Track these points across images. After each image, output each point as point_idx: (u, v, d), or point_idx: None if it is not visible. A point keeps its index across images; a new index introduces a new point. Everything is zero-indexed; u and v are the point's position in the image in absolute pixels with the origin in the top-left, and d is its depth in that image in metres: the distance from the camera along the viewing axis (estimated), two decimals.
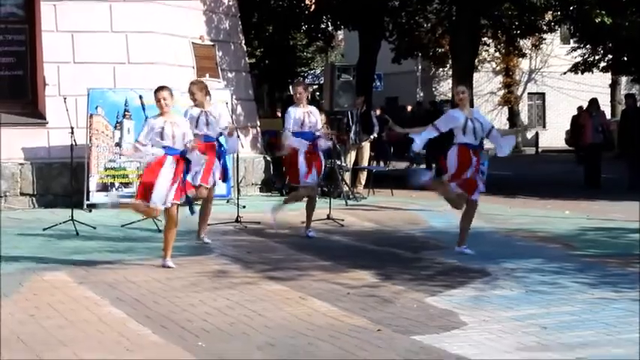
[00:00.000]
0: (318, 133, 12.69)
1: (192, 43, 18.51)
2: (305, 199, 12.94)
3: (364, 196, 18.81)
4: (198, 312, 8.07)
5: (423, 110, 33.14)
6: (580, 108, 30.45)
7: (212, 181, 11.94)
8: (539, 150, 42.51)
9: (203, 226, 12.21)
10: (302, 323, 7.66)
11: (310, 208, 12.94)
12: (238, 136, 12.57)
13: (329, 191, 17.05)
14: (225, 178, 12.49)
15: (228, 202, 16.31)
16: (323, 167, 12.99)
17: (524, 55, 37.17)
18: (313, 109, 12.87)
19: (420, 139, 11.50)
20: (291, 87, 13.32)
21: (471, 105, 12.54)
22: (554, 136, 46.29)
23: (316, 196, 13.26)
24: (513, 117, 45.96)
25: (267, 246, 12.10)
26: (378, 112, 28.02)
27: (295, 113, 12.62)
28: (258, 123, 20.86)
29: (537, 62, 47.44)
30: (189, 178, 10.73)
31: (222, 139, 12.21)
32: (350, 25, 27.41)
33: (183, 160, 10.17)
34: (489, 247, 11.64)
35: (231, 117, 13.09)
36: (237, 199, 14.51)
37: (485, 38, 31.00)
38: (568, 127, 36.63)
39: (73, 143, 13.36)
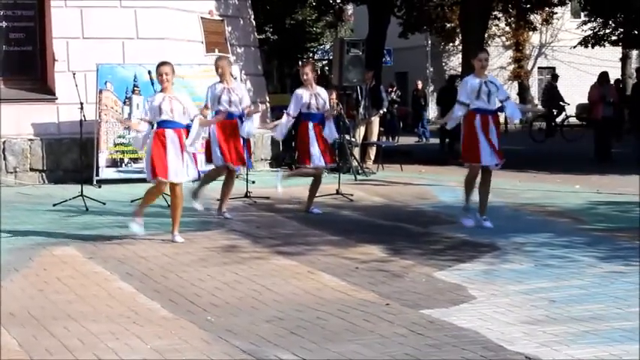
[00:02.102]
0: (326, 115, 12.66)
1: (201, 18, 18.46)
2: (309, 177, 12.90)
3: (373, 171, 18.78)
4: (207, 287, 8.09)
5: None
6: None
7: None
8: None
9: (225, 201, 12.25)
10: (311, 297, 7.67)
11: (314, 189, 12.86)
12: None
13: (338, 166, 17.03)
14: (249, 155, 12.66)
15: (237, 177, 16.28)
16: (329, 149, 12.87)
17: (534, 29, 36.96)
18: (321, 90, 12.77)
19: (454, 120, 11.65)
20: (300, 68, 13.18)
21: None
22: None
23: (322, 177, 13.17)
24: (523, 92, 45.80)
25: (277, 221, 12.11)
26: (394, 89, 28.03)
27: (302, 97, 12.58)
28: (268, 98, 20.82)
29: (547, 36, 47.20)
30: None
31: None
32: (359, 0, 27.30)
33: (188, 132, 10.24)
34: (499, 222, 11.61)
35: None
36: (247, 174, 14.50)
37: (496, 12, 30.83)
38: (578, 102, 36.52)
39: (83, 119, 13.36)
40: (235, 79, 13.66)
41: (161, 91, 10.31)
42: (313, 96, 12.55)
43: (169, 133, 10.14)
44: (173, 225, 10.35)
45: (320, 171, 12.84)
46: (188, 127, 10.21)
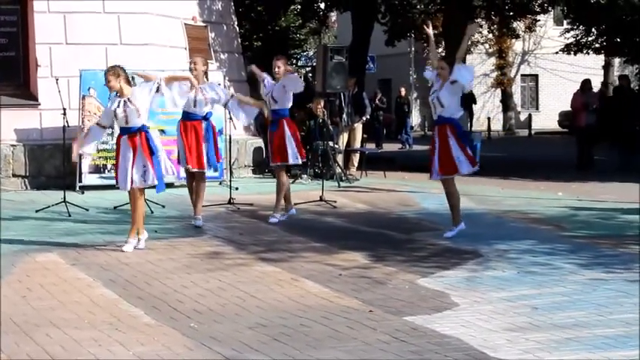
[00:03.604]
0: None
1: (185, 24, 18.44)
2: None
3: (357, 177, 18.78)
4: (190, 293, 8.07)
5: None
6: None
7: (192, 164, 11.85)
8: (532, 132, 42.48)
9: (198, 206, 12.01)
10: (294, 304, 7.67)
11: (277, 191, 12.69)
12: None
13: (322, 173, 17.04)
14: (217, 158, 12.33)
15: (220, 183, 16.30)
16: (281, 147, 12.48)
17: (517, 37, 37.10)
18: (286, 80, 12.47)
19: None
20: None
21: None
22: (547, 118, 46.28)
23: (280, 177, 12.64)
24: (506, 99, 45.99)
25: (260, 228, 12.10)
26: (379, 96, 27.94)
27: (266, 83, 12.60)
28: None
29: (530, 44, 47.39)
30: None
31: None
32: (342, 7, 27.32)
33: (144, 137, 10.11)
34: (482, 229, 11.64)
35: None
36: (230, 180, 14.50)
37: (479, 19, 30.93)
38: (561, 109, 36.59)
39: (66, 125, 13.34)
40: (219, 85, 13.59)
41: (117, 95, 10.22)
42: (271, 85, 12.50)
43: (123, 141, 10.14)
44: (131, 230, 10.23)
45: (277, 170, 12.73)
46: (145, 130, 10.13)
